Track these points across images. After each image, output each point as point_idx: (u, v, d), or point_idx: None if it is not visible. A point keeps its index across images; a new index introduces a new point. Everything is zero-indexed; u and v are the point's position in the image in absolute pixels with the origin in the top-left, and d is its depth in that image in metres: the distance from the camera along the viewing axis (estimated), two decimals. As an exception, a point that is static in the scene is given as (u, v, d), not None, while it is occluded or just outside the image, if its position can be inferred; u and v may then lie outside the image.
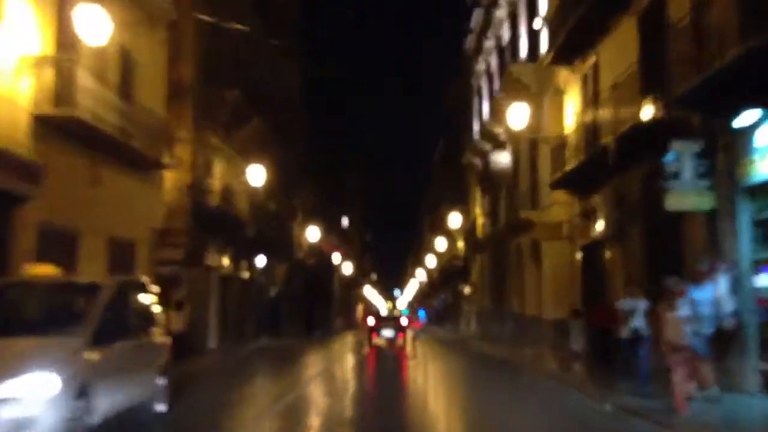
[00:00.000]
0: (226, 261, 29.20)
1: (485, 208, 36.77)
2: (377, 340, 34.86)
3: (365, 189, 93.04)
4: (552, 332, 23.38)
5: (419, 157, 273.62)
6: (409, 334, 37.24)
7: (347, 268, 70.72)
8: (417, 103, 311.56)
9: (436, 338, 41.41)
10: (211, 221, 25.28)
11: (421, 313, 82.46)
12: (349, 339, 44.64)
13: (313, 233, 44.40)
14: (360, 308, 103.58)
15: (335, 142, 58.84)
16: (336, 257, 58.38)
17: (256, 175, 27.75)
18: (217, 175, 27.37)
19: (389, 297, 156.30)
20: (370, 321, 37.53)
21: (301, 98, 45.22)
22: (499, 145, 32.26)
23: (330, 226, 59.20)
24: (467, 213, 43.33)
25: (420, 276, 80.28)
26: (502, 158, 31.99)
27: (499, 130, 31.67)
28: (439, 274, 57.50)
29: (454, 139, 48.47)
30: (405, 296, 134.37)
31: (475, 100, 40.29)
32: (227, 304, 29.65)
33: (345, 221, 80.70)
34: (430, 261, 63.78)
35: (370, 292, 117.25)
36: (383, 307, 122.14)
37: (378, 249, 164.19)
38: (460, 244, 48.80)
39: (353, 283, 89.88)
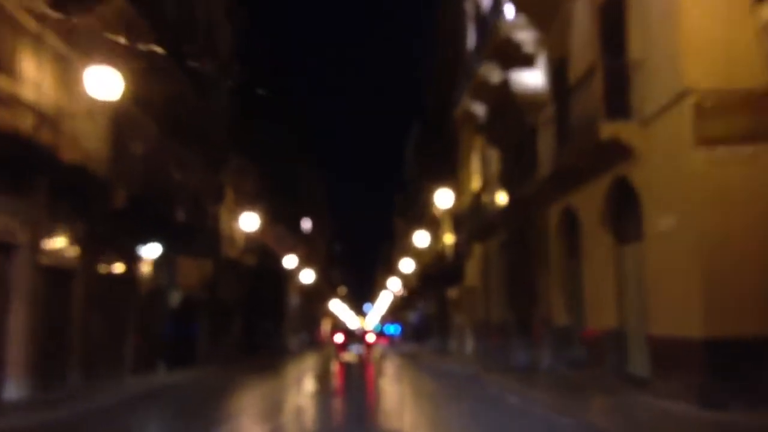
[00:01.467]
0: (62, 242, 16.19)
1: (497, 170, 24.06)
2: (346, 356, 34.53)
3: (330, 196, 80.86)
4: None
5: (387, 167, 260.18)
6: (378, 350, 36.28)
7: (307, 276, 57.63)
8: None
9: (413, 364, 28.47)
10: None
11: (395, 329, 69.58)
12: (309, 362, 31.81)
13: (248, 222, 31.44)
14: (326, 324, 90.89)
15: (282, 116, 45.99)
16: (290, 260, 45.37)
17: (112, 90, 14.59)
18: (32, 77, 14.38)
19: (359, 312, 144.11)
20: (338, 338, 37.20)
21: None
22: (522, 62, 19.69)
23: (286, 225, 46.19)
24: (459, 191, 30.59)
25: (393, 286, 67.41)
26: (531, 77, 19.46)
27: (523, 35, 19.16)
28: (420, 278, 44.52)
29: (439, 99, 35.84)
30: (376, 311, 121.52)
31: (470, 27, 27.74)
32: (70, 316, 16.61)
33: (306, 224, 67.86)
34: (407, 265, 50.88)
35: (338, 307, 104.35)
36: (355, 322, 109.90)
37: (348, 262, 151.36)
38: (448, 238, 36.14)
39: (317, 295, 76.73)
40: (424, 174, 43.02)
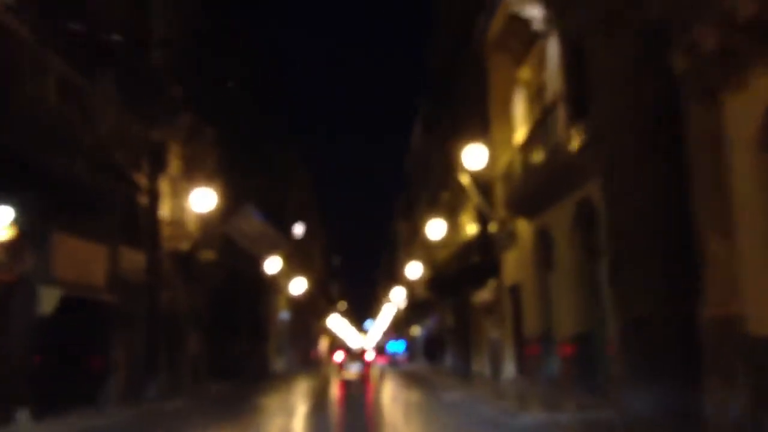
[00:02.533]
0: None
1: (564, 89, 14.71)
2: (346, 374, 32.88)
3: (325, 206, 72.00)
4: None
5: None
6: (376, 370, 34.77)
7: (298, 286, 48.20)
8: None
9: (424, 396, 18.76)
10: None
11: (399, 346, 59.83)
12: (296, 390, 22.98)
13: (201, 200, 22.12)
14: (324, 342, 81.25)
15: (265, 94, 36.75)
16: (273, 264, 35.96)
17: None
18: None
19: (360, 329, 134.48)
20: (338, 357, 35.07)
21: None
22: None
23: (268, 223, 36.83)
24: (493, 151, 21.20)
25: (397, 297, 57.93)
26: None
27: None
28: (431, 283, 35.02)
29: (453, 38, 26.66)
30: (378, 327, 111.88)
31: None
32: None
33: (298, 229, 58.54)
34: (413, 270, 41.42)
35: (338, 323, 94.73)
36: (355, 339, 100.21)
37: (347, 277, 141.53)
38: (471, 227, 26.80)
39: (312, 310, 67.21)
40: (438, 140, 33.64)
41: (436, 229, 28.64)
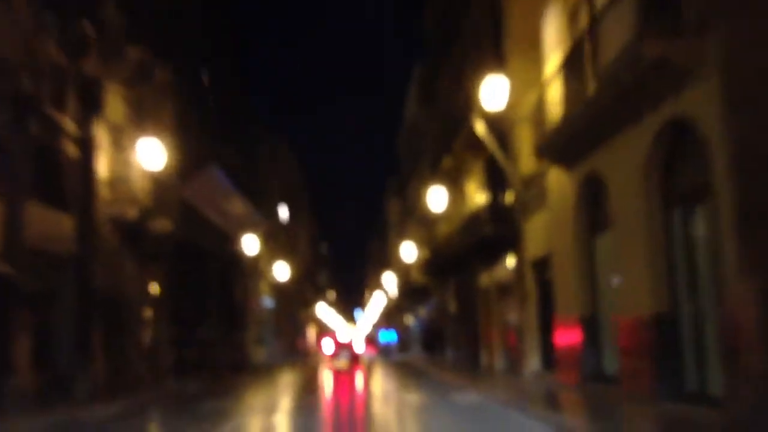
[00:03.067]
0: None
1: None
2: (334, 364, 30.88)
3: (314, 193, 67.47)
4: None
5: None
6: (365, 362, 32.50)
7: (282, 271, 43.71)
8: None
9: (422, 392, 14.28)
10: None
11: (390, 336, 55.41)
12: (277, 386, 18.94)
13: (148, 153, 17.55)
14: (312, 331, 76.84)
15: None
16: (251, 243, 31.36)
17: None
18: None
19: (350, 319, 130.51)
20: (326, 346, 32.86)
21: None
22: None
23: (244, 196, 32.21)
24: (514, 89, 16.64)
25: (388, 284, 53.45)
26: None
27: None
28: (430, 266, 30.59)
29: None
30: (367, 317, 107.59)
31: None
32: None
33: (283, 211, 54.00)
34: (408, 252, 36.94)
35: (326, 312, 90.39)
36: (345, 329, 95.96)
37: (336, 266, 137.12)
38: (480, 196, 22.38)
39: (299, 299, 62.74)
40: (436, 103, 29.19)
41: (436, 198, 24.06)
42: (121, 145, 18.12)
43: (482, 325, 23.04)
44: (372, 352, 43.23)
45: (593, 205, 13.31)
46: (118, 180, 17.98)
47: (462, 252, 22.62)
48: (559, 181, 14.67)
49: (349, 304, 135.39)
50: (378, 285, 69.50)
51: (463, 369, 22.87)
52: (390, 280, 52.35)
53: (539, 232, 16.54)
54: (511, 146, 17.57)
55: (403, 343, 52.84)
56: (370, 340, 52.75)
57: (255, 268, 38.88)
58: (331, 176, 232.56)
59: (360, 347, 33.68)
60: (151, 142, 17.55)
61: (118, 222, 18.03)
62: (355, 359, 32.04)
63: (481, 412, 11.94)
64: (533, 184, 16.58)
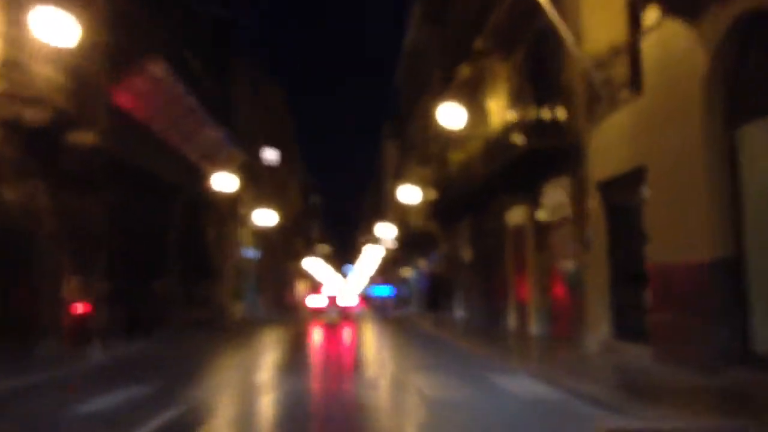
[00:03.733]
0: None
1: None
2: (324, 318, 29.34)
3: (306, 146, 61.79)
4: None
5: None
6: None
7: (266, 218, 38.37)
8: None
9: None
10: None
11: (384, 290, 50.27)
12: (250, 349, 13.98)
13: (52, 27, 12.08)
14: (302, 286, 72.02)
15: None
16: (225, 180, 25.89)
17: None
18: None
19: (343, 274, 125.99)
20: (312, 301, 31.84)
21: None
22: None
23: (214, 120, 26.56)
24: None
25: (385, 233, 48.11)
26: None
27: None
28: (439, 204, 25.25)
29: None
30: (361, 270, 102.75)
31: None
32: None
33: (271, 154, 48.44)
34: (409, 195, 31.53)
35: (318, 267, 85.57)
36: (337, 283, 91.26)
37: (328, 219, 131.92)
38: (507, 115, 16.86)
39: (288, 249, 57.56)
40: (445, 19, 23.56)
41: (451, 116, 18.50)
42: (14, 18, 12.51)
43: (510, 276, 17.74)
44: (362, 307, 39.82)
45: (740, 77, 7.91)
46: (12, 65, 12.42)
47: (484, 183, 17.20)
48: (667, 49, 9.20)
49: (343, 259, 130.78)
50: (373, 238, 64.34)
51: (485, 333, 17.66)
52: (386, 231, 47.03)
53: (613, 141, 11.14)
54: (571, 14, 12.06)
55: (401, 299, 47.80)
56: (360, 294, 48.48)
57: (232, 212, 33.52)
58: (324, 128, 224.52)
59: (347, 302, 31.43)
60: (52, 12, 11.94)
61: (13, 126, 12.54)
62: (344, 315, 29.98)
63: (567, 418, 6.70)
64: (608, 68, 11.11)
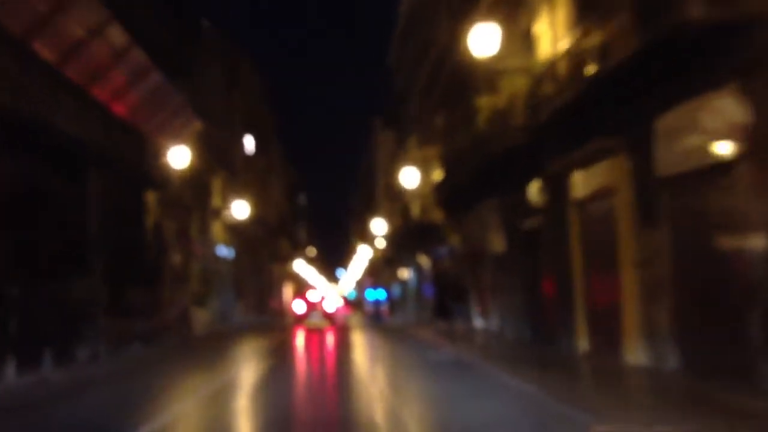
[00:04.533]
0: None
1: None
2: (308, 323, 28.16)
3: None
4: None
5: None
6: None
7: (241, 211, 32.26)
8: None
9: None
10: None
11: (378, 294, 43.97)
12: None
13: None
14: (289, 290, 65.72)
15: None
16: (177, 155, 19.72)
17: None
18: None
19: (331, 278, 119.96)
20: (298, 307, 30.04)
21: None
22: None
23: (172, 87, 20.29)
24: None
25: (378, 230, 41.96)
26: None
27: None
28: (455, 180, 18.97)
29: None
30: (350, 274, 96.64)
31: None
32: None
33: (248, 142, 42.23)
34: (409, 177, 25.41)
35: (305, 270, 79.48)
36: (325, 288, 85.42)
37: (316, 221, 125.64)
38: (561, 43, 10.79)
39: (272, 250, 51.29)
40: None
41: (483, 40, 12.32)
42: None
43: (577, 272, 11.59)
44: (349, 313, 38.58)
45: None
46: None
47: (536, 131, 11.10)
48: None
49: (331, 262, 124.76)
50: (364, 237, 58.19)
51: (539, 357, 11.51)
52: (379, 227, 40.88)
53: None
54: None
55: (395, 304, 41.59)
56: (345, 299, 46.49)
57: (201, 201, 27.32)
58: (310, 128, 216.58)
59: (332, 306, 31.02)
60: None
61: None
62: (329, 320, 29.23)
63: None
64: None
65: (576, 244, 11.54)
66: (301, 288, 70.88)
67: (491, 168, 14.33)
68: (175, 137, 19.77)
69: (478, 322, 19.58)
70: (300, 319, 28.96)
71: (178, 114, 19.69)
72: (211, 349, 17.64)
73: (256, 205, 41.44)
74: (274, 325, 30.49)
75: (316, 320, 28.38)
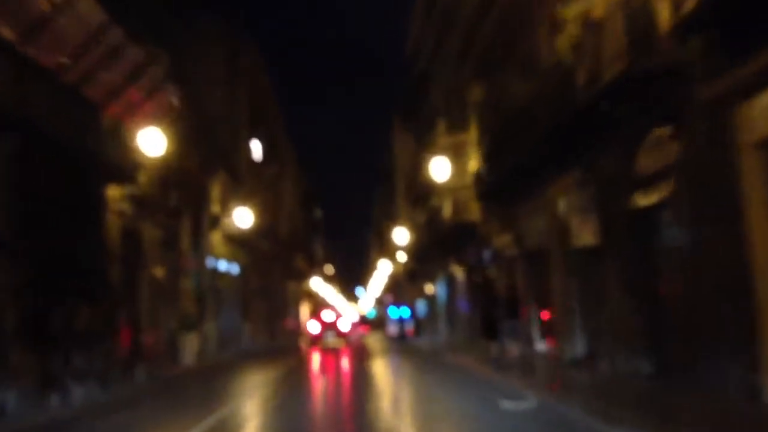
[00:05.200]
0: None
1: None
2: (323, 344, 27.14)
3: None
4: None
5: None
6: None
7: (242, 217, 27.71)
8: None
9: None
10: None
11: (402, 312, 38.95)
12: None
13: None
14: (306, 308, 60.89)
15: None
16: (151, 139, 15.22)
17: None
18: None
19: (350, 296, 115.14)
20: (313, 327, 29.45)
21: None
22: None
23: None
24: None
25: (401, 240, 36.98)
26: None
27: None
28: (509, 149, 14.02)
29: None
30: (370, 292, 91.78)
31: None
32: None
33: (255, 147, 37.69)
34: (440, 167, 20.58)
35: (323, 288, 74.69)
36: (345, 307, 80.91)
37: (333, 237, 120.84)
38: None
39: (285, 267, 46.52)
40: None
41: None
42: None
43: (763, 259, 6.71)
44: (363, 332, 36.67)
45: None
46: None
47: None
48: None
49: (350, 280, 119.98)
50: (384, 251, 53.42)
51: (705, 412, 6.64)
52: (401, 238, 36.03)
53: None
54: None
55: (420, 324, 36.61)
56: (363, 318, 44.74)
57: (196, 203, 22.67)
58: (324, 141, 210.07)
59: (346, 326, 30.45)
60: None
61: None
62: (343, 338, 28.63)
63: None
64: None
65: (757, 210, 6.63)
66: (318, 307, 66.15)
67: (576, 122, 9.47)
68: (151, 119, 15.20)
69: (541, 345, 14.62)
70: (315, 340, 28.03)
71: (155, 89, 15.10)
72: (184, 395, 12.84)
73: (264, 215, 36.78)
74: (286, 350, 25.75)
75: (330, 340, 27.56)
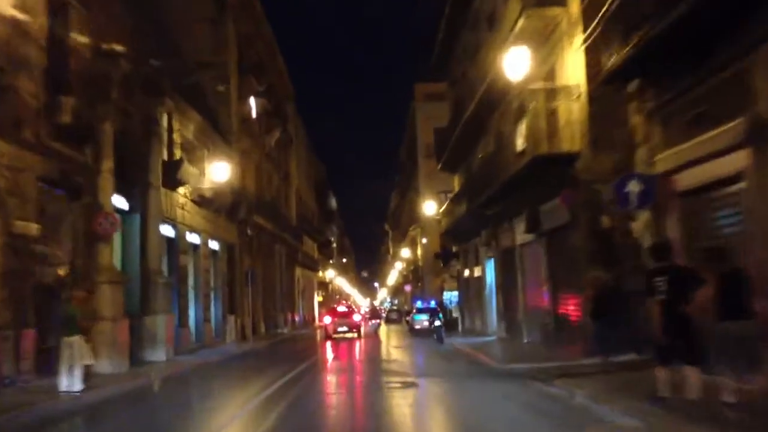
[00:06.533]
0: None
1: None
2: (338, 333, 26.34)
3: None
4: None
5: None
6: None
7: (216, 172, 18.93)
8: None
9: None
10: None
11: (428, 306, 29.35)
12: None
13: None
14: (319, 299, 52.76)
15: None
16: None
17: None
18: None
19: (366, 289, 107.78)
20: (327, 320, 27.63)
21: None
22: None
23: None
24: None
25: (430, 211, 27.97)
26: None
27: None
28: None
29: None
30: (386, 283, 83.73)
31: None
32: None
33: (251, 102, 28.94)
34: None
35: (338, 280, 66.57)
36: (362, 299, 74.34)
37: (348, 225, 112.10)
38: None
39: (292, 252, 37.81)
40: None
41: None
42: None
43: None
44: (375, 322, 34.33)
45: None
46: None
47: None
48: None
49: (365, 271, 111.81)
50: (415, 227, 44.63)
51: None
52: (432, 210, 27.07)
53: None
54: None
55: (450, 321, 27.71)
56: (374, 313, 41.84)
57: (138, 144, 13.86)
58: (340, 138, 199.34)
59: (359, 318, 28.38)
60: None
61: None
62: (356, 330, 26.56)
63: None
64: None
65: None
66: (331, 298, 57.80)
67: None
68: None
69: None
70: (329, 333, 26.29)
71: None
72: None
73: (260, 185, 28.17)
74: (285, 356, 17.16)
75: (343, 331, 26.35)
